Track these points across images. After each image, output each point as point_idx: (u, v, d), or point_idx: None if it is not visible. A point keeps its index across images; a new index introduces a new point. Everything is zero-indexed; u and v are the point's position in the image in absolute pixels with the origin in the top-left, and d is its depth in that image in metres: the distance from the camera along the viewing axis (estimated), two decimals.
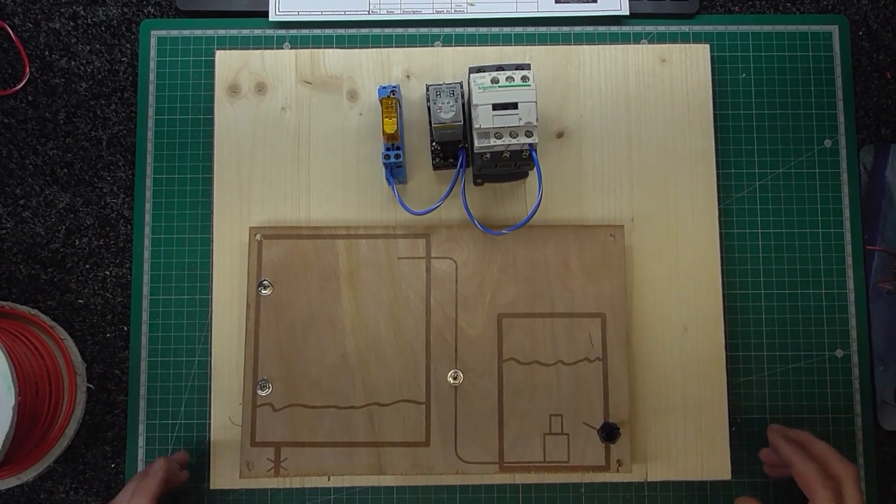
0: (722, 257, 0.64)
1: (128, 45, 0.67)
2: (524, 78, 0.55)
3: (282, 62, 0.65)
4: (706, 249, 0.64)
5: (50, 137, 0.66)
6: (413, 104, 0.65)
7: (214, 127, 0.65)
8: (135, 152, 0.66)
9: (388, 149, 0.59)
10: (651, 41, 0.67)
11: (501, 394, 0.61)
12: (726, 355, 0.64)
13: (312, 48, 0.66)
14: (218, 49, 0.66)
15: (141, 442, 0.63)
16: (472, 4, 0.66)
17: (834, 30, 0.67)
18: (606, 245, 0.62)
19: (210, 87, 0.66)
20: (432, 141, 0.62)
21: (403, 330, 0.62)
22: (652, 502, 0.63)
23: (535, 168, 0.57)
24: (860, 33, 0.68)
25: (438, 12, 0.66)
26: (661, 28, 0.67)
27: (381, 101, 0.58)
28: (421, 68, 0.65)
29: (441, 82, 0.57)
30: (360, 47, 0.66)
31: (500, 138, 0.55)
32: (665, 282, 0.64)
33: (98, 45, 0.67)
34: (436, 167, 0.64)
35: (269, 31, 0.67)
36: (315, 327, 0.61)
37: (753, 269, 0.65)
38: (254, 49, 0.66)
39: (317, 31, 0.67)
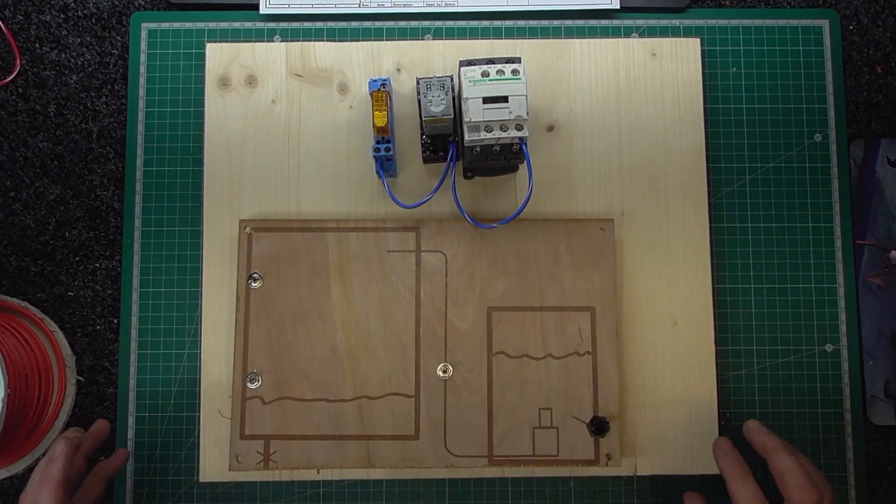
0: (712, 251, 0.64)
1: (118, 38, 0.67)
2: (514, 71, 0.55)
3: (272, 55, 0.65)
4: (696, 243, 0.64)
5: (40, 130, 0.66)
6: (403, 97, 0.65)
7: (205, 120, 0.65)
8: (125, 145, 0.66)
9: (378, 142, 0.59)
10: (641, 35, 0.67)
11: (491, 387, 0.61)
12: (716, 349, 0.64)
13: (303, 41, 0.66)
14: (208, 42, 0.66)
15: (130, 435, 0.63)
16: None
17: (824, 24, 0.67)
18: (596, 239, 0.62)
19: (200, 80, 0.66)
20: (422, 134, 0.61)
21: (393, 323, 0.62)
22: (641, 496, 0.63)
23: (525, 162, 0.57)
24: (851, 28, 0.68)
25: (429, 5, 0.66)
26: (652, 22, 0.67)
27: (371, 95, 0.58)
28: (411, 61, 0.65)
29: (431, 76, 0.57)
30: (351, 40, 0.66)
31: (490, 132, 0.55)
32: (655, 276, 0.64)
33: (88, 38, 0.67)
34: (426, 160, 0.63)
35: (260, 24, 0.67)
36: (305, 320, 0.61)
37: (743, 263, 0.65)
38: (244, 42, 0.66)
39: (307, 24, 0.67)
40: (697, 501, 0.61)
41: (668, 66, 0.65)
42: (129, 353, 0.64)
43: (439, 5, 0.66)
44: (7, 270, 0.65)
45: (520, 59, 0.56)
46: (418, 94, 0.58)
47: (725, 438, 0.60)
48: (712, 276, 0.64)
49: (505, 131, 0.55)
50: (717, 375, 0.63)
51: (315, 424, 0.60)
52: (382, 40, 0.66)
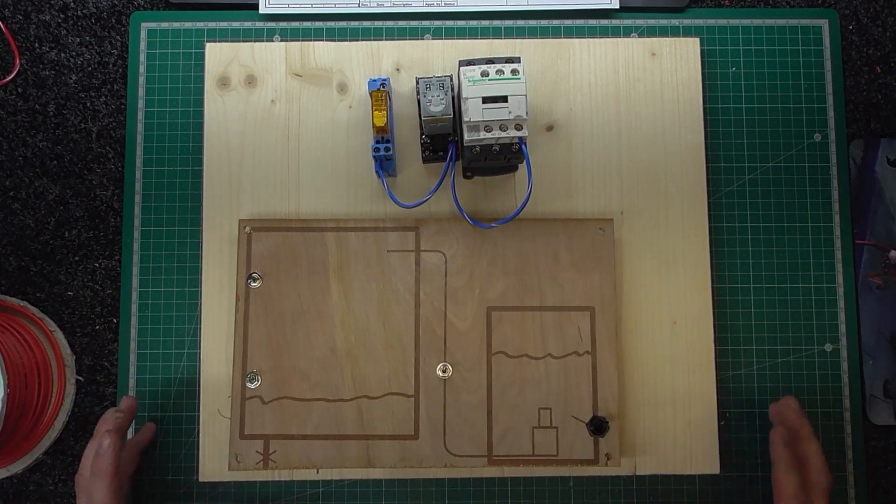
0: (711, 251, 0.64)
1: (118, 38, 0.67)
2: (514, 71, 0.55)
3: (272, 55, 0.65)
4: (696, 243, 0.64)
5: (40, 129, 0.66)
6: (403, 97, 0.65)
7: (204, 119, 0.65)
8: (124, 144, 0.66)
9: (377, 142, 0.59)
10: (641, 35, 0.67)
11: (490, 387, 0.61)
12: (715, 349, 0.64)
13: (302, 41, 0.66)
14: (208, 41, 0.66)
15: (129, 434, 0.63)
16: None
17: (824, 24, 0.67)
18: (596, 239, 0.62)
19: (200, 80, 0.66)
20: (422, 134, 0.61)
21: (393, 323, 0.62)
22: (640, 496, 0.63)
23: (524, 161, 0.57)
24: (850, 27, 0.68)
25: (428, 5, 0.66)
26: (651, 22, 0.67)
27: (370, 94, 0.58)
28: (411, 61, 0.65)
29: (431, 75, 0.57)
30: (350, 40, 0.66)
31: (489, 132, 0.55)
32: (654, 275, 0.64)
33: (88, 38, 0.67)
34: (425, 160, 0.63)
35: (260, 24, 0.67)
36: (304, 320, 0.61)
37: (743, 262, 0.65)
38: (244, 41, 0.66)
39: (307, 24, 0.67)
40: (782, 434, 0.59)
41: (668, 66, 0.65)
42: (129, 352, 0.64)
43: (438, 5, 0.66)
44: (7, 270, 0.65)
45: (519, 58, 0.56)
46: (418, 93, 0.58)
47: (783, 430, 0.59)
48: (712, 275, 0.64)
49: (504, 131, 0.55)
50: (717, 375, 0.63)
51: (314, 424, 0.60)
52: (382, 40, 0.66)
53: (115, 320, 0.65)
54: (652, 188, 0.65)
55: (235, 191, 0.64)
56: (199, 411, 0.63)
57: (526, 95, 0.55)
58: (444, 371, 0.61)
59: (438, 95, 0.56)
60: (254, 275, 0.62)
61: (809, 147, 0.66)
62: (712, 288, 0.64)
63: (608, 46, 0.66)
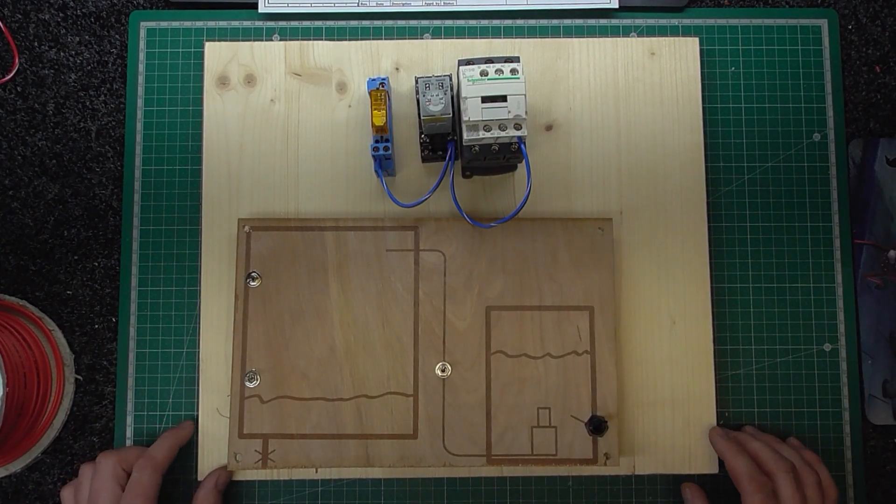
0: (710, 251, 0.64)
1: (117, 37, 0.67)
2: (513, 71, 0.55)
3: (271, 54, 0.65)
4: (695, 243, 0.64)
5: (39, 128, 0.66)
6: (402, 97, 0.65)
7: (203, 119, 0.65)
8: (124, 143, 0.66)
9: (376, 141, 0.59)
10: (640, 34, 0.67)
11: (489, 386, 0.61)
12: (714, 349, 0.64)
13: (302, 40, 0.66)
14: (207, 40, 0.66)
15: (129, 433, 0.63)
16: None
17: (823, 24, 0.67)
18: (595, 238, 0.62)
19: (199, 79, 0.66)
20: (421, 133, 0.61)
21: (392, 322, 0.62)
22: (639, 496, 0.63)
23: (523, 161, 0.57)
24: (849, 27, 0.68)
25: (428, 4, 0.66)
26: (651, 21, 0.67)
27: (370, 94, 0.58)
28: (410, 61, 0.65)
29: (430, 75, 0.57)
30: (350, 39, 0.66)
31: (489, 131, 0.55)
32: (653, 275, 0.64)
33: (87, 36, 0.67)
34: (425, 160, 0.63)
35: (259, 23, 0.67)
36: (303, 319, 0.61)
37: (742, 262, 0.65)
38: (243, 41, 0.66)
39: (306, 23, 0.67)
40: (696, 492, 0.61)
41: (667, 66, 0.65)
42: (128, 351, 0.64)
43: (438, 4, 0.66)
44: (6, 269, 0.65)
45: (518, 58, 0.56)
46: (417, 93, 0.58)
47: (719, 427, 0.63)
48: (711, 275, 0.64)
49: (503, 130, 0.55)
50: (716, 375, 0.63)
51: (313, 423, 0.60)
52: (381, 39, 0.66)
53: (114, 319, 0.65)
54: (651, 188, 0.65)
55: (234, 190, 0.64)
56: (197, 410, 0.63)
57: (525, 95, 0.55)
58: (443, 370, 0.61)
59: (437, 95, 0.56)
60: (253, 274, 0.62)
61: (808, 147, 0.66)
62: (711, 287, 0.64)
63: (607, 46, 0.66)
